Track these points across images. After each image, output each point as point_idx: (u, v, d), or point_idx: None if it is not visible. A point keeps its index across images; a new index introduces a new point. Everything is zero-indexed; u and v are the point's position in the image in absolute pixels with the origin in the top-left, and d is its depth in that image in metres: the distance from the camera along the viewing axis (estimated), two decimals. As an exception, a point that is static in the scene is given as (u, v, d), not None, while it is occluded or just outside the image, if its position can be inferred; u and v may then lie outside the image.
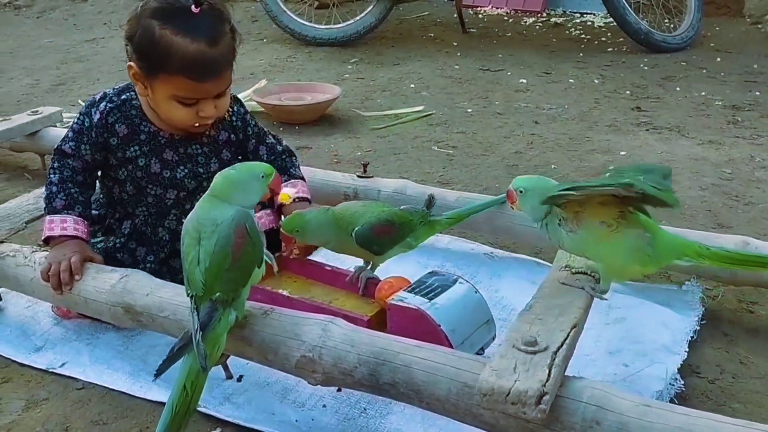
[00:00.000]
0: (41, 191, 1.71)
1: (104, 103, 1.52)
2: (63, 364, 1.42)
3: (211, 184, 1.19)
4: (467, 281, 1.37)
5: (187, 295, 1.16)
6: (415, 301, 1.30)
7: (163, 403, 1.28)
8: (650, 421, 0.90)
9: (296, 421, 1.25)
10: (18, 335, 1.51)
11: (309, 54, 4.06)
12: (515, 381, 0.93)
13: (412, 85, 3.44)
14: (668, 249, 1.18)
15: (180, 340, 1.15)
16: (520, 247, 1.83)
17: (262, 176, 1.20)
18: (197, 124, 1.49)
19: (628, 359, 1.34)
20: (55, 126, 2.40)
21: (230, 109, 1.59)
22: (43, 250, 1.51)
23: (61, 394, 1.34)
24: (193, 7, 1.40)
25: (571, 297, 1.17)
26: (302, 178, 1.67)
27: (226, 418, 1.25)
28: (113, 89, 1.56)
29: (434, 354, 1.08)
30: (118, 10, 5.52)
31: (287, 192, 1.32)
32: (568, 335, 1.04)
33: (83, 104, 3.04)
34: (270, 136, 1.68)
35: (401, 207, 1.50)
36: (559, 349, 1.00)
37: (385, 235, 1.41)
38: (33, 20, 5.46)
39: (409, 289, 1.35)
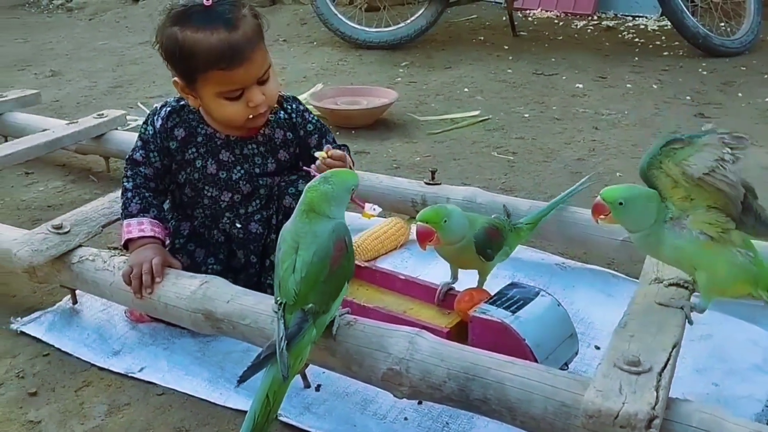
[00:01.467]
0: (115, 195, 1.73)
1: (164, 109, 1.56)
2: (141, 369, 1.42)
3: (305, 199, 1.17)
4: (549, 294, 1.35)
5: (276, 302, 1.16)
6: (498, 313, 1.28)
7: (243, 411, 1.29)
8: (766, 448, 0.87)
9: (378, 433, 1.24)
10: (95, 339, 1.52)
11: (360, 57, 4.06)
12: (623, 403, 0.91)
13: (466, 89, 3.42)
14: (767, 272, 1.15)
15: (266, 348, 1.14)
16: (591, 257, 1.79)
17: (352, 188, 1.20)
18: (251, 116, 1.48)
19: (717, 378, 1.30)
20: (119, 129, 2.43)
21: (288, 107, 1.59)
22: (121, 254, 1.52)
23: (142, 400, 1.35)
24: (204, 1, 1.41)
25: (666, 314, 1.14)
26: None
27: (309, 429, 1.25)
28: (174, 98, 1.59)
29: (528, 371, 1.06)
30: (169, 13, 5.59)
31: (369, 211, 1.31)
32: (670, 355, 1.01)
33: (141, 106, 3.10)
34: (330, 132, 1.67)
35: (492, 216, 1.49)
36: (663, 369, 0.97)
37: (495, 240, 1.41)
38: (86, 22, 5.56)
39: (491, 301, 1.33)
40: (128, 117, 2.63)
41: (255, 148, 1.56)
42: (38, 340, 1.53)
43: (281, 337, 1.11)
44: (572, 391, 1.00)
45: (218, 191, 1.55)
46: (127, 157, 1.57)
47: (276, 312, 1.21)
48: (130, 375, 1.41)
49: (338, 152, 1.46)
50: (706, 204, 1.12)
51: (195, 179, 1.54)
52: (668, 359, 1.00)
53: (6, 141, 2.60)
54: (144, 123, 1.57)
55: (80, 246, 1.56)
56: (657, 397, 0.91)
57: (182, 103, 1.54)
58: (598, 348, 1.43)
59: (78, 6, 6.10)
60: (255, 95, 1.45)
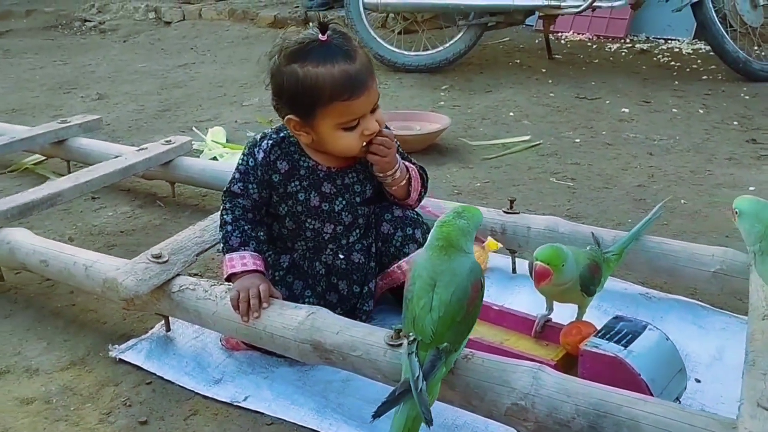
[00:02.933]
0: (204, 224, 1.76)
1: (266, 141, 1.57)
2: (246, 398, 1.44)
3: (440, 234, 1.19)
4: (657, 328, 1.36)
5: (407, 337, 1.17)
6: (611, 348, 1.29)
7: (354, 442, 1.31)
8: None
9: (495, 467, 1.25)
10: (194, 367, 1.54)
11: (400, 80, 4.10)
12: (779, 444, 0.92)
13: (511, 113, 3.44)
14: None
15: (400, 385, 1.15)
16: (673, 287, 1.80)
17: (480, 225, 1.22)
18: (364, 144, 1.52)
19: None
20: (186, 156, 2.46)
21: None
22: (221, 284, 1.54)
23: (252, 429, 1.36)
24: (320, 36, 1.45)
25: (793, 351, 1.15)
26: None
27: (426, 462, 1.25)
28: (271, 129, 1.62)
29: (663, 409, 1.07)
30: (202, 35, 5.67)
31: (493, 241, 1.35)
32: (809, 394, 1.02)
33: (196, 130, 3.13)
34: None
35: (588, 248, 1.51)
36: (806, 409, 0.98)
37: (597, 276, 1.42)
38: (120, 44, 5.62)
39: (600, 334, 1.34)
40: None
41: (355, 176, 1.58)
42: (137, 368, 1.54)
43: (418, 376, 1.12)
44: (710, 429, 1.01)
45: (321, 223, 1.57)
46: (225, 189, 1.60)
47: (392, 345, 1.24)
48: (235, 404, 1.43)
49: (387, 133, 1.53)
50: None
51: (298, 212, 1.57)
52: (808, 398, 1.01)
53: (68, 165, 2.65)
54: (243, 155, 1.59)
55: (178, 275, 1.58)
56: (810, 438, 0.92)
57: (282, 134, 1.57)
58: (698, 381, 1.43)
59: (111, 28, 6.18)
60: (371, 123, 1.49)
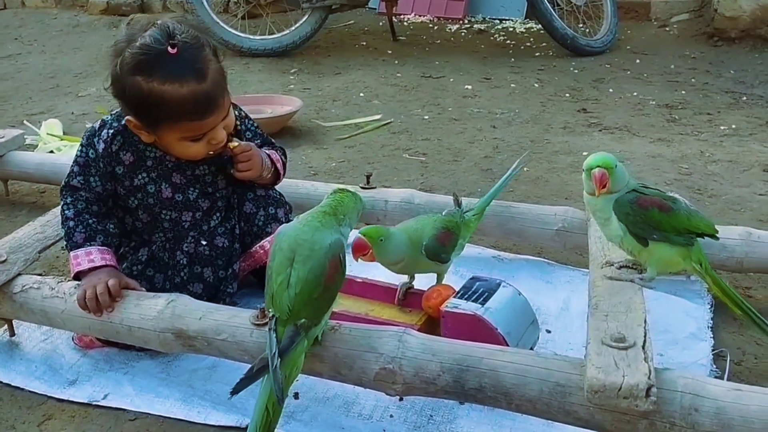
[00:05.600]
0: (46, 218, 1.66)
1: (105, 131, 1.48)
2: (105, 396, 1.37)
3: (332, 198, 1.20)
4: (510, 284, 1.43)
5: (267, 313, 1.16)
6: (469, 306, 1.35)
7: (226, 427, 1.29)
8: (745, 404, 0.99)
9: (367, 433, 1.27)
10: (45, 370, 1.44)
11: (246, 65, 4.02)
12: (623, 376, 1.00)
13: (362, 94, 3.48)
14: (702, 251, 1.31)
15: (258, 361, 1.14)
16: (521, 248, 1.90)
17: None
18: (212, 152, 1.47)
19: (660, 348, 1.43)
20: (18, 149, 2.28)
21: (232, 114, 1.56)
22: (69, 280, 1.45)
23: (114, 427, 1.30)
24: (169, 48, 1.34)
25: (629, 293, 1.25)
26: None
27: (299, 436, 1.26)
28: (111, 115, 1.52)
29: (520, 357, 1.13)
30: (27, 24, 5.29)
31: None
32: (645, 330, 1.12)
33: (28, 123, 2.91)
34: (268, 137, 1.68)
35: (443, 212, 1.54)
36: (644, 343, 1.08)
37: (448, 242, 1.46)
38: (-69, 34, 5.11)
39: (458, 295, 1.40)
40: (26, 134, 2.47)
41: (205, 168, 1.53)
42: (-21, 378, 1.43)
43: (274, 353, 1.11)
44: (564, 371, 1.09)
45: (177, 213, 1.52)
46: (63, 183, 1.50)
47: (258, 324, 1.23)
48: (93, 403, 1.36)
49: (243, 145, 1.49)
50: None
51: (150, 204, 1.50)
52: (645, 333, 1.10)
53: None
54: (82, 146, 1.49)
55: (20, 275, 1.47)
56: (649, 368, 1.01)
57: (124, 122, 1.48)
58: (549, 332, 1.53)
59: None
60: (219, 134, 1.43)
